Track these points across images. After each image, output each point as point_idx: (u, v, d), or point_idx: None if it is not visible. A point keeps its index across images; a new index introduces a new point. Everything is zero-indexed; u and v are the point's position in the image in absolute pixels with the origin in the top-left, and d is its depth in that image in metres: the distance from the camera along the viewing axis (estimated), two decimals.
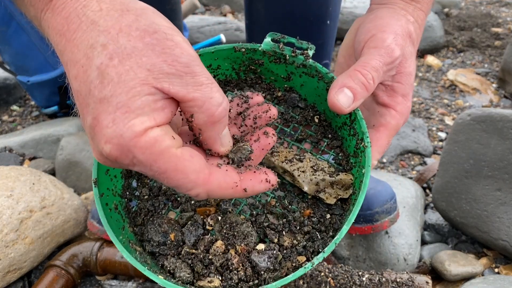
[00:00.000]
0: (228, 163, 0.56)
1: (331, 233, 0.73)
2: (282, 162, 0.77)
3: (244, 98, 0.67)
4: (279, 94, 0.87)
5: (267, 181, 0.55)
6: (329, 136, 0.83)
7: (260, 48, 0.72)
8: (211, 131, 0.49)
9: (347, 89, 0.70)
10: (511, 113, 1.11)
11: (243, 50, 0.72)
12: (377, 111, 0.77)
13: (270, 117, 0.65)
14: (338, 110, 0.69)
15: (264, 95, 0.87)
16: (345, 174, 0.76)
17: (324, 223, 0.74)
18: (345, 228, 0.65)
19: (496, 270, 1.20)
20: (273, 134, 0.63)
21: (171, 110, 0.44)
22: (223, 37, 1.98)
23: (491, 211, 1.10)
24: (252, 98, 0.64)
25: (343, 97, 0.71)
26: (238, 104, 0.67)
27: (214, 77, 0.86)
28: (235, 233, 0.67)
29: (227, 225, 0.68)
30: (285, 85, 0.80)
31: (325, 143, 0.83)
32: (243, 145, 0.60)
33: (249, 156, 0.60)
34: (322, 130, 0.84)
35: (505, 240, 1.11)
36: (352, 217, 0.65)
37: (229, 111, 0.59)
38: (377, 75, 0.66)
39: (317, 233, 0.71)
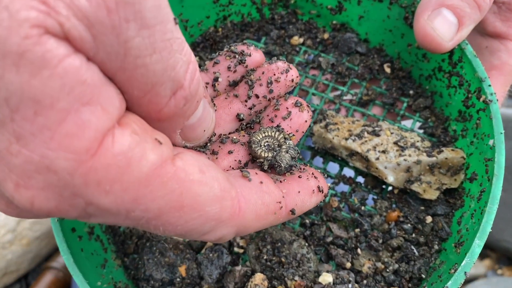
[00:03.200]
0: (259, 167, 0.38)
1: (436, 247, 0.45)
2: (346, 139, 0.48)
3: (237, 56, 0.39)
4: (325, 36, 0.57)
5: (319, 191, 0.36)
6: (410, 92, 0.54)
7: None
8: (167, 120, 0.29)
9: (448, 10, 0.46)
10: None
11: None
12: (485, 46, 0.54)
13: (291, 80, 0.40)
14: (434, 45, 0.47)
15: (302, 40, 0.57)
16: (452, 150, 0.47)
17: (423, 230, 0.46)
18: (478, 244, 0.38)
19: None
20: (307, 106, 0.40)
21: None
22: None
23: None
24: (250, 55, 0.40)
25: (442, 24, 0.47)
26: (229, 68, 0.40)
27: (225, 18, 0.56)
28: (282, 259, 0.46)
29: (268, 246, 0.48)
30: (334, 21, 0.55)
31: (405, 104, 0.53)
32: (283, 139, 0.37)
33: (296, 157, 0.37)
34: (398, 85, 0.54)
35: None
36: (488, 220, 0.38)
37: (217, 80, 0.40)
38: None
39: (412, 247, 0.44)
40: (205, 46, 0.58)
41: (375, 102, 0.55)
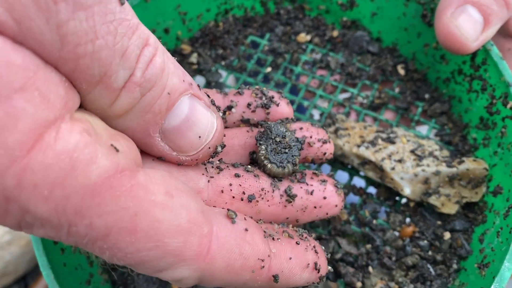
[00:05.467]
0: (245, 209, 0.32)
1: (455, 266, 0.41)
2: (358, 146, 0.44)
3: (263, 98, 0.35)
4: (335, 33, 0.53)
5: (315, 268, 0.30)
6: (426, 96, 0.50)
7: None
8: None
9: (473, 7, 0.42)
10: None
11: None
12: (507, 49, 0.49)
13: (324, 153, 0.36)
14: (457, 45, 0.43)
15: (309, 38, 0.53)
16: (474, 160, 0.43)
17: (441, 247, 0.42)
18: (508, 267, 0.34)
19: None
20: (343, 197, 0.35)
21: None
22: None
23: None
24: (278, 104, 0.35)
25: (466, 22, 0.43)
26: (249, 105, 0.35)
27: (226, 12, 0.52)
28: None
29: None
30: (344, 18, 0.50)
31: (420, 109, 0.49)
32: (283, 130, 0.34)
33: (299, 154, 0.34)
34: (413, 88, 0.50)
35: None
36: None
37: (230, 108, 0.35)
38: None
39: (429, 266, 0.40)
40: (204, 41, 0.53)
41: (388, 106, 0.51)
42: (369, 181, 0.47)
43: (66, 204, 0.20)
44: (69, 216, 0.21)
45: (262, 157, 0.33)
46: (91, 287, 0.43)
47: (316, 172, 0.35)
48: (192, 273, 0.24)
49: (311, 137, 0.35)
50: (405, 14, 0.49)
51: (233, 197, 0.30)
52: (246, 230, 0.27)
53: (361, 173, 0.47)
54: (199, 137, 0.26)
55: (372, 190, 0.47)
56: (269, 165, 0.32)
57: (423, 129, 0.51)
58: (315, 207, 0.33)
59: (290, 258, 0.29)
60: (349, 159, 0.45)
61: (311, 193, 0.33)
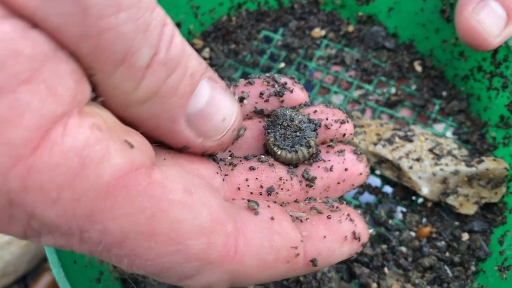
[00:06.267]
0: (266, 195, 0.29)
1: (473, 268, 0.40)
2: (375, 144, 0.43)
3: (276, 86, 0.32)
4: (350, 29, 0.52)
5: (355, 238, 0.27)
6: (443, 94, 0.49)
7: None
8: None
9: (495, 2, 0.41)
10: None
11: None
12: None
13: (343, 135, 0.32)
14: (479, 41, 0.41)
15: (324, 33, 0.52)
16: (494, 160, 0.41)
17: (458, 249, 0.41)
18: None
19: None
20: (366, 161, 0.32)
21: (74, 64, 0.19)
22: None
23: None
24: (291, 91, 0.32)
25: (488, 17, 0.41)
26: (261, 94, 0.32)
27: (239, 6, 0.51)
28: (301, 278, 0.41)
29: None
30: (360, 13, 0.50)
31: (437, 107, 0.48)
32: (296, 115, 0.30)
33: (310, 147, 0.30)
34: (430, 85, 0.49)
35: None
36: None
37: (242, 100, 0.32)
38: None
39: (446, 268, 0.39)
40: (216, 36, 0.52)
41: (404, 104, 0.49)
42: (385, 180, 0.46)
43: (77, 208, 0.19)
44: (80, 221, 0.19)
45: (272, 145, 0.30)
46: (101, 285, 0.42)
47: (331, 143, 0.31)
48: (221, 277, 0.23)
49: (327, 119, 0.31)
50: (423, 10, 0.48)
51: (251, 192, 0.28)
52: (272, 218, 0.25)
53: (377, 172, 0.46)
54: (223, 119, 0.25)
55: (387, 189, 0.46)
56: (279, 152, 0.30)
57: (440, 127, 0.50)
58: (338, 183, 0.30)
59: (325, 237, 0.26)
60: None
61: (331, 169, 0.30)
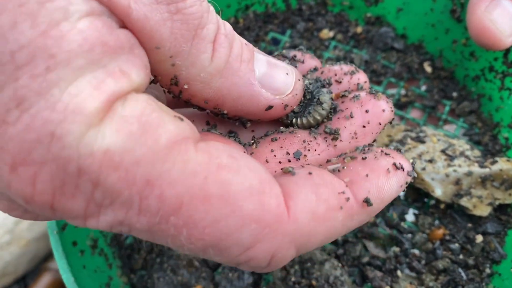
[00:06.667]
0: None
1: (488, 271, 0.40)
2: (386, 145, 0.42)
3: (287, 61, 0.33)
4: (358, 30, 0.52)
5: (397, 168, 0.26)
6: (454, 94, 0.48)
7: None
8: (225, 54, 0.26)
9: (508, 1, 0.41)
10: None
11: None
12: None
13: (356, 84, 0.32)
14: (492, 40, 0.41)
15: (332, 34, 0.52)
16: (508, 161, 0.41)
17: (472, 251, 0.41)
18: None
19: None
20: (386, 98, 0.30)
21: (142, 51, 0.24)
22: None
23: None
24: (303, 61, 0.33)
25: (502, 16, 0.41)
26: None
27: (247, 8, 0.51)
28: (313, 281, 0.40)
29: (296, 267, 0.42)
30: (368, 14, 0.48)
31: (447, 108, 0.48)
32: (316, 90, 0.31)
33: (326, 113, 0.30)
34: (440, 86, 0.49)
35: None
36: None
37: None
38: None
39: (460, 270, 0.38)
40: None
41: (415, 105, 0.49)
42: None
43: (137, 171, 0.20)
44: (140, 186, 0.20)
45: (287, 116, 0.30)
46: None
47: (345, 93, 0.31)
48: (283, 242, 0.23)
49: (335, 74, 0.32)
50: (432, 10, 0.47)
51: (280, 162, 0.28)
52: (310, 173, 0.25)
53: None
54: (287, 73, 0.28)
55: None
56: (294, 120, 0.30)
57: (451, 129, 0.50)
58: (364, 127, 0.30)
59: (367, 175, 0.26)
60: None
61: (351, 115, 0.30)
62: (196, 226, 0.21)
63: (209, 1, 0.25)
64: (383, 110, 0.30)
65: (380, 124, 0.30)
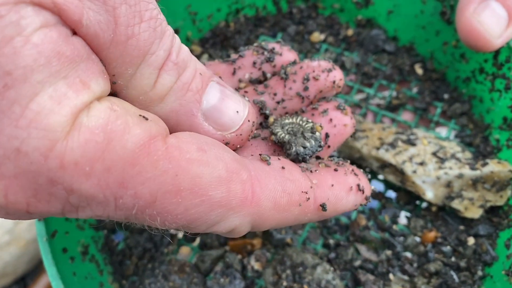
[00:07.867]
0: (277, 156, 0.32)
1: (479, 273, 0.40)
2: (377, 148, 0.42)
3: (265, 53, 0.34)
4: (349, 32, 0.52)
5: (359, 190, 0.31)
6: (445, 96, 0.48)
7: None
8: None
9: (497, 2, 0.41)
10: None
11: None
12: None
13: (333, 82, 0.34)
14: (481, 42, 0.41)
15: (323, 37, 0.52)
16: (498, 163, 0.41)
17: (464, 253, 0.41)
18: None
19: None
20: (351, 112, 0.35)
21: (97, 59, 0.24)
22: None
23: None
24: (280, 54, 0.35)
25: (490, 18, 0.41)
26: (254, 63, 0.35)
27: (237, 12, 0.51)
28: (305, 286, 0.40)
29: (288, 271, 0.42)
30: (359, 17, 0.49)
31: (439, 110, 0.48)
32: (307, 123, 0.32)
33: (318, 149, 0.32)
34: (431, 88, 0.49)
35: None
36: None
37: (236, 68, 0.35)
38: None
39: (452, 273, 0.38)
40: (215, 42, 0.52)
41: (406, 107, 0.49)
42: (388, 185, 0.45)
43: (109, 177, 0.21)
44: (114, 189, 0.22)
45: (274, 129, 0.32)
46: None
47: (316, 105, 0.33)
48: (243, 220, 0.26)
49: (313, 71, 0.33)
50: (422, 12, 0.47)
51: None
52: (283, 168, 0.28)
53: (380, 177, 0.45)
54: (237, 112, 0.28)
55: (391, 194, 0.46)
56: (276, 130, 0.32)
57: (442, 130, 0.50)
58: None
59: (332, 185, 0.29)
60: (367, 162, 0.44)
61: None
62: (169, 215, 0.23)
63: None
64: (345, 125, 0.34)
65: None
